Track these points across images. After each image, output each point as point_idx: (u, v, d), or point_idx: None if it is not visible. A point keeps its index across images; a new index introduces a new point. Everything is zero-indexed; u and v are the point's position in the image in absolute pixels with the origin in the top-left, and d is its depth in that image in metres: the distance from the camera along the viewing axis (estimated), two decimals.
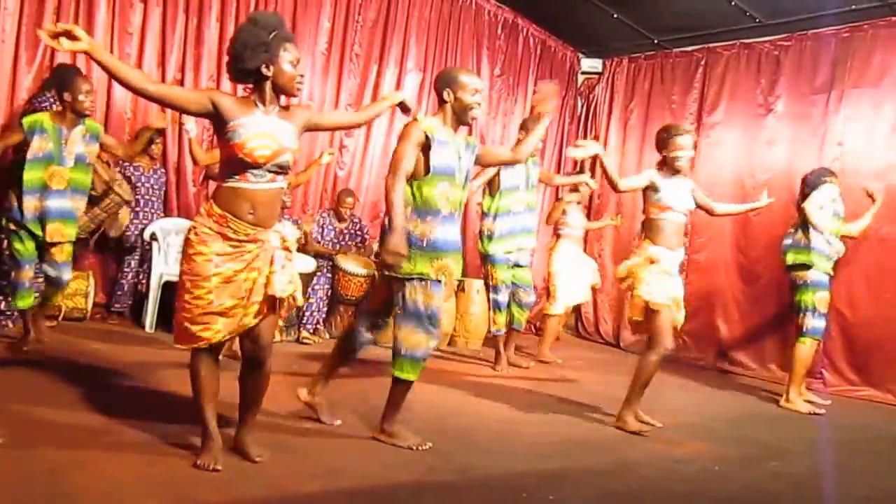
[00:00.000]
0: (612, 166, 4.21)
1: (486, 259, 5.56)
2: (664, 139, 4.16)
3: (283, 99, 2.83)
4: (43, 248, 4.24)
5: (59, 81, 4.36)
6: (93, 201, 4.67)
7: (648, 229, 4.19)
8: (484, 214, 5.57)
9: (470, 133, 3.51)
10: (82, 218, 4.52)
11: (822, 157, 6.63)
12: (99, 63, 2.52)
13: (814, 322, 5.22)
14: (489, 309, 5.67)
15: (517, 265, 5.61)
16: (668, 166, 4.16)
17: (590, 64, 8.85)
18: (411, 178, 3.26)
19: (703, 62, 7.71)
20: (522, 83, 8.28)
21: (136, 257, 5.60)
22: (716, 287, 7.23)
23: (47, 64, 5.16)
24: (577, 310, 8.06)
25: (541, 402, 4.61)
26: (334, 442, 3.28)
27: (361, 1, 6.81)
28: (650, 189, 4.14)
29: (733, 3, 6.67)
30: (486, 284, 5.65)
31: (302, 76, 2.78)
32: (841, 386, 6.15)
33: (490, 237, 5.47)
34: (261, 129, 2.68)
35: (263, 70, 2.68)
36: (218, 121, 2.69)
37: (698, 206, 4.35)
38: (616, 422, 4.14)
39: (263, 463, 2.80)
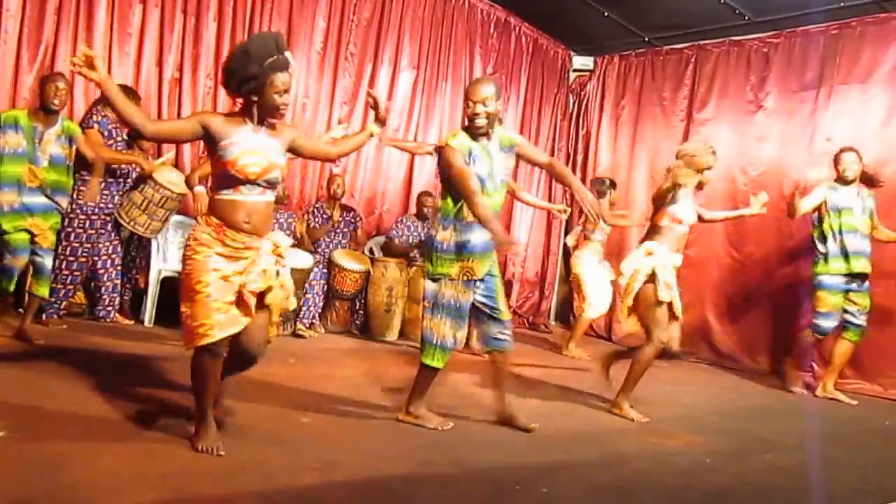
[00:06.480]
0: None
1: None
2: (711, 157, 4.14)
3: None
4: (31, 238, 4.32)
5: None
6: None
7: (653, 233, 4.23)
8: None
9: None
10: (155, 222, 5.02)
11: (812, 153, 6.71)
12: (107, 96, 2.64)
13: (815, 319, 5.54)
14: None
15: None
16: (698, 185, 4.21)
17: (581, 62, 8.91)
18: (452, 193, 3.47)
19: (693, 59, 7.77)
20: (515, 81, 8.34)
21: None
22: (707, 281, 7.28)
23: (48, 65, 5.20)
24: (570, 302, 8.12)
25: (534, 394, 4.64)
26: (330, 435, 3.31)
27: (356, 0, 6.85)
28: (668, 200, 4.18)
29: (722, 1, 6.73)
30: None
31: (286, 105, 2.84)
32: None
33: None
34: (251, 147, 2.78)
35: (251, 97, 2.78)
36: (210, 141, 2.80)
37: None
38: (612, 409, 4.26)
39: (260, 455, 2.84)
